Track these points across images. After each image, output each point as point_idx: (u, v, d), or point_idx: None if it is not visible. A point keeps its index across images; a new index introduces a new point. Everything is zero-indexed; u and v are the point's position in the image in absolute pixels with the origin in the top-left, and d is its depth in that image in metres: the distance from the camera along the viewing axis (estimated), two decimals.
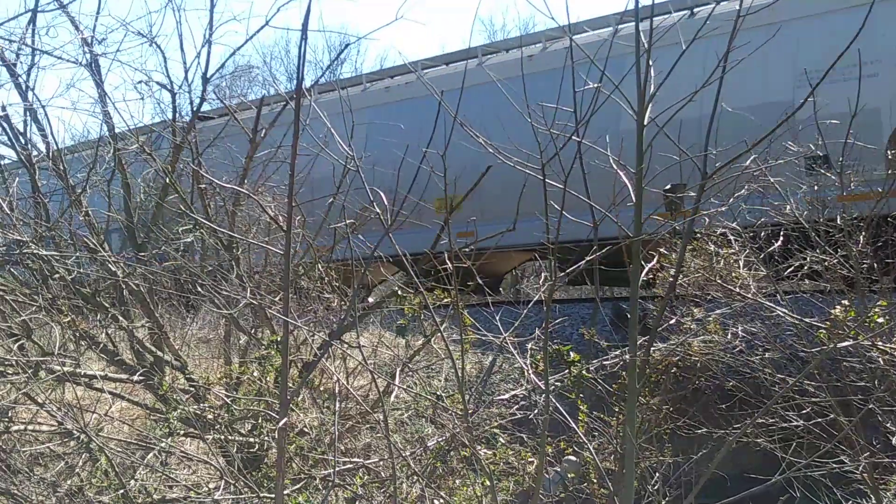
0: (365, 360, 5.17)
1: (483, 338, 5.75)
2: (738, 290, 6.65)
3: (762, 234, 6.98)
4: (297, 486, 5.92)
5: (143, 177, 9.10)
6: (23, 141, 8.38)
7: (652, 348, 5.25)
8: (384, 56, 46.46)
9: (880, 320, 5.51)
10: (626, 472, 4.60)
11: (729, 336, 6.99)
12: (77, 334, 7.61)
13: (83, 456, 7.01)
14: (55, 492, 6.64)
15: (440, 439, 6.29)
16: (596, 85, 4.41)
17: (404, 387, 6.55)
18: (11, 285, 8.05)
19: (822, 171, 6.90)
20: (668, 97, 4.46)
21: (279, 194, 8.13)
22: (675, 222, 5.47)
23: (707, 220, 6.32)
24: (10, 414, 7.53)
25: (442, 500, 5.59)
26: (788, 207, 6.83)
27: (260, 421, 7.00)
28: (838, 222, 6.57)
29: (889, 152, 7.53)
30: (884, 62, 11.43)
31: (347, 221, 4.87)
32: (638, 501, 5.33)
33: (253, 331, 7.96)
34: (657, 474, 5.94)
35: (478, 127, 4.78)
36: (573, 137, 4.45)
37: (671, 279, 5.49)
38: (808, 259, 6.57)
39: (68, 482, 6.80)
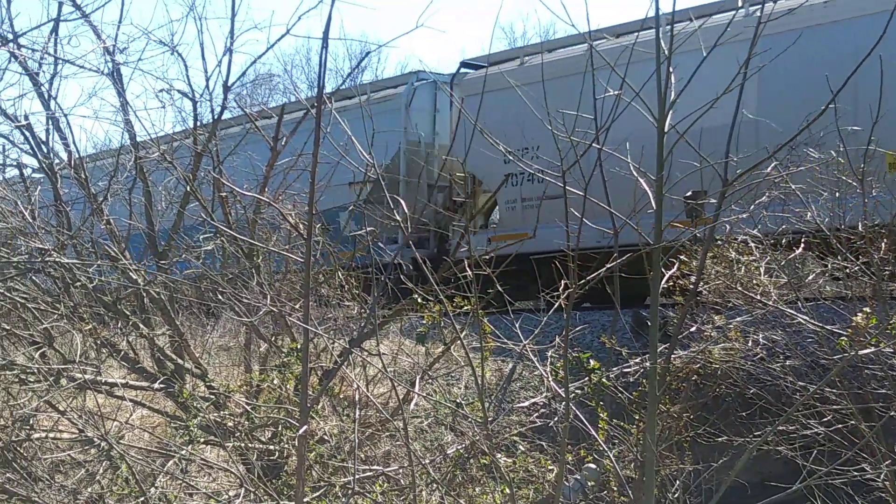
0: (385, 368, 5.17)
1: (503, 345, 5.74)
2: (758, 297, 6.63)
3: (783, 241, 6.95)
4: (317, 493, 5.93)
5: (163, 185, 9.12)
6: (45, 149, 8.42)
7: (672, 356, 5.23)
8: (405, 63, 46.50)
9: None
10: (646, 480, 4.58)
11: (749, 343, 6.97)
12: (98, 342, 7.64)
13: (104, 463, 7.04)
14: (76, 499, 6.67)
15: (460, 447, 6.28)
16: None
17: (424, 394, 6.55)
18: (33, 293, 8.10)
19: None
20: None
21: (300, 201, 8.13)
22: (695, 229, 5.45)
23: (728, 227, 6.29)
24: (31, 421, 7.57)
25: None
26: (809, 214, 6.80)
27: (280, 428, 7.01)
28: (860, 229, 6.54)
29: None
30: None
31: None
32: None
33: (273, 338, 7.97)
34: (677, 482, 5.92)
35: None
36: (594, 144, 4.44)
37: (692, 286, 5.47)
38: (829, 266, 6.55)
39: (89, 489, 6.82)
